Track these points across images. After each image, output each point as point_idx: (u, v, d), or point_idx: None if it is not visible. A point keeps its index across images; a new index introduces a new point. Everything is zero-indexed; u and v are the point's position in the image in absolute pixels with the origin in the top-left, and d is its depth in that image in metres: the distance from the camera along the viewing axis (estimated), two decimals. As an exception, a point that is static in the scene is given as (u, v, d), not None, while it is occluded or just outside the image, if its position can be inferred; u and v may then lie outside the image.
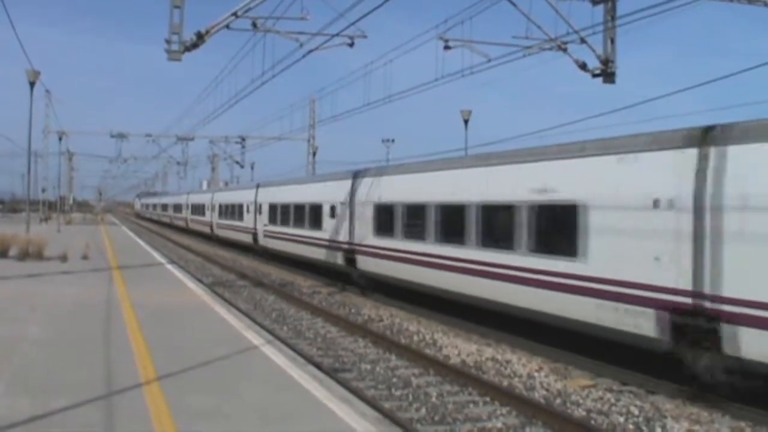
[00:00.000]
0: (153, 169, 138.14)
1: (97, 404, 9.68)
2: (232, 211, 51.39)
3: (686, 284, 13.44)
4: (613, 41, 24.27)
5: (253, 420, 9.29)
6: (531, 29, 24.85)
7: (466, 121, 39.35)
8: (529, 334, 18.42)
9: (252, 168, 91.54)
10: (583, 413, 12.82)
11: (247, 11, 23.27)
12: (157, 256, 36.69)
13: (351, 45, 25.98)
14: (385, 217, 25.68)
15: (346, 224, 29.10)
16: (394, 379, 15.06)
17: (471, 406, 13.16)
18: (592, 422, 12.31)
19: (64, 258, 31.06)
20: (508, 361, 16.58)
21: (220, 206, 56.44)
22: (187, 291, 22.72)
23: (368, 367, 16.19)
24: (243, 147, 72.70)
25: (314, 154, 61.14)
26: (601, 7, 24.15)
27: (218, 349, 13.33)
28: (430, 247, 22.48)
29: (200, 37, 22.50)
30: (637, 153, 15.00)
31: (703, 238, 13.17)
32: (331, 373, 14.34)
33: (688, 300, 13.42)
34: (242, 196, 48.66)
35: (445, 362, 16.31)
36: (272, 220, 40.18)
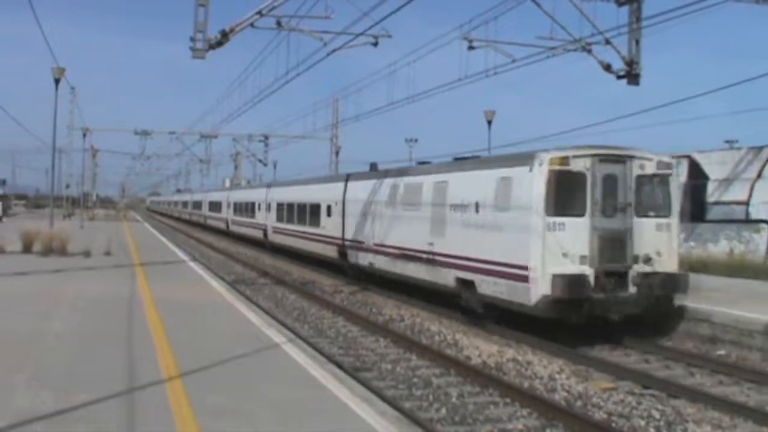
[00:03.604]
0: (176, 167, 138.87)
1: (118, 400, 9.72)
2: (216, 207, 72.61)
3: (340, 235, 32.40)
4: (638, 42, 24.18)
5: (274, 418, 9.31)
6: (555, 30, 24.82)
7: (489, 122, 39.32)
8: (550, 336, 18.38)
9: (275, 166, 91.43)
10: (604, 416, 12.76)
11: (271, 10, 23.33)
12: (180, 254, 36.86)
13: (375, 44, 25.99)
14: (279, 210, 44.98)
15: (264, 214, 48.91)
16: (415, 379, 15.04)
17: (491, 407, 13.13)
18: (613, 425, 12.25)
19: (87, 254, 31.26)
20: (529, 363, 16.53)
21: (210, 203, 77.18)
22: (208, 288, 22.81)
23: (389, 366, 16.19)
24: (266, 145, 73.04)
25: (337, 153, 61.21)
26: (626, 8, 24.07)
27: (240, 347, 13.36)
28: (280, 225, 44.17)
29: (225, 36, 22.57)
30: (330, 183, 35.82)
31: (344, 216, 32.02)
32: (352, 372, 14.35)
33: (341, 242, 32.36)
34: (222, 197, 69.84)
35: (465, 363, 16.29)
36: (235, 212, 61.54)
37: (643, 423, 12.41)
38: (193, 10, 22.34)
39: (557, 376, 15.45)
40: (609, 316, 18.73)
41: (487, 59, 26.45)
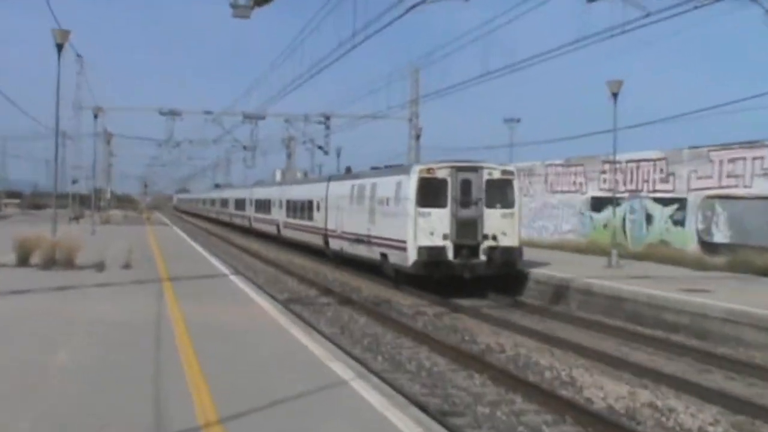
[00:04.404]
0: (213, 156, 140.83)
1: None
2: (240, 205, 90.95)
3: (324, 225, 49.04)
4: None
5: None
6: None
7: (614, 95, 38.82)
8: (700, 374, 18.13)
9: (338, 155, 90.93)
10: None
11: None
12: (219, 265, 37.34)
13: (465, -1, 25.90)
14: (288, 207, 61.62)
15: (278, 210, 65.81)
16: (520, 428, 15.00)
17: (622, 465, 13.01)
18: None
19: (100, 266, 31.73)
20: (671, 410, 16.32)
21: (235, 201, 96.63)
22: (256, 309, 23.01)
23: (486, 410, 16.16)
24: (327, 128, 73.17)
25: (418, 136, 61.23)
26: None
27: (296, 384, 13.43)
28: (289, 220, 60.77)
29: (274, -13, 22.70)
30: (319, 183, 53.37)
31: (327, 210, 48.67)
32: (440, 417, 14.35)
33: (324, 231, 49.07)
34: (245, 194, 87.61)
35: (586, 407, 16.17)
36: (256, 209, 78.27)
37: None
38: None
39: (710, 428, 15.22)
40: (464, 275, 33.15)
41: (613, 13, 26.27)
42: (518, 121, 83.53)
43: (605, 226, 48.11)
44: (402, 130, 65.25)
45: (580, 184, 52.93)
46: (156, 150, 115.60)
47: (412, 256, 33.42)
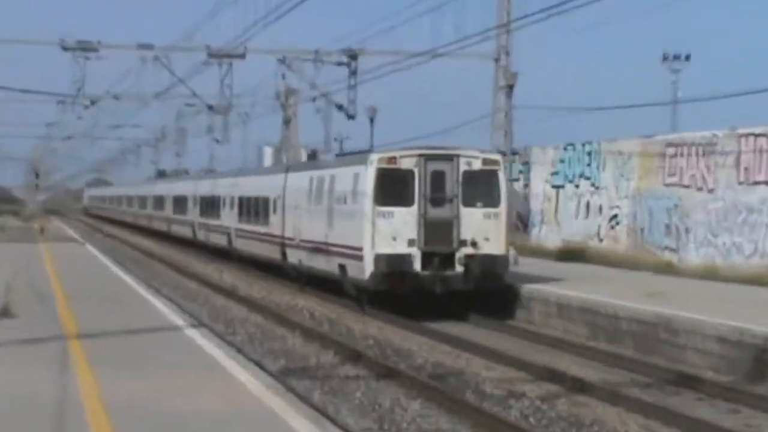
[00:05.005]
0: (156, 122, 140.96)
1: None
2: (181, 206, 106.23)
3: (281, 231, 64.06)
4: None
5: None
6: None
7: None
8: None
9: (371, 120, 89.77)
10: None
11: None
12: (167, 312, 37.49)
13: None
14: (241, 208, 77.75)
15: (228, 212, 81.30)
16: None
17: None
18: None
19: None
20: None
21: (174, 200, 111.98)
22: (231, 386, 22.63)
23: None
24: (353, 74, 72.14)
25: (510, 87, 61.08)
26: None
27: None
28: (243, 226, 76.75)
29: None
30: (271, 175, 71.98)
31: (284, 211, 63.41)
32: None
33: (281, 239, 64.26)
34: (188, 189, 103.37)
35: None
36: (202, 212, 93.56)
37: None
38: None
39: None
40: (435, 290, 42.37)
41: None
42: (687, 59, 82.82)
43: None
44: (483, 77, 65.16)
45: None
46: (56, 112, 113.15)
47: (368, 267, 42.62)
